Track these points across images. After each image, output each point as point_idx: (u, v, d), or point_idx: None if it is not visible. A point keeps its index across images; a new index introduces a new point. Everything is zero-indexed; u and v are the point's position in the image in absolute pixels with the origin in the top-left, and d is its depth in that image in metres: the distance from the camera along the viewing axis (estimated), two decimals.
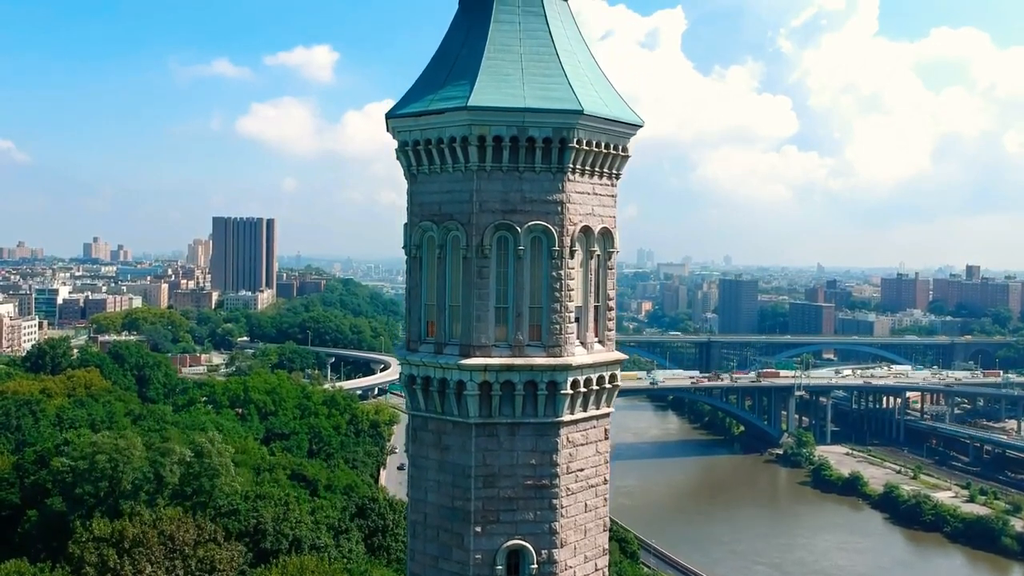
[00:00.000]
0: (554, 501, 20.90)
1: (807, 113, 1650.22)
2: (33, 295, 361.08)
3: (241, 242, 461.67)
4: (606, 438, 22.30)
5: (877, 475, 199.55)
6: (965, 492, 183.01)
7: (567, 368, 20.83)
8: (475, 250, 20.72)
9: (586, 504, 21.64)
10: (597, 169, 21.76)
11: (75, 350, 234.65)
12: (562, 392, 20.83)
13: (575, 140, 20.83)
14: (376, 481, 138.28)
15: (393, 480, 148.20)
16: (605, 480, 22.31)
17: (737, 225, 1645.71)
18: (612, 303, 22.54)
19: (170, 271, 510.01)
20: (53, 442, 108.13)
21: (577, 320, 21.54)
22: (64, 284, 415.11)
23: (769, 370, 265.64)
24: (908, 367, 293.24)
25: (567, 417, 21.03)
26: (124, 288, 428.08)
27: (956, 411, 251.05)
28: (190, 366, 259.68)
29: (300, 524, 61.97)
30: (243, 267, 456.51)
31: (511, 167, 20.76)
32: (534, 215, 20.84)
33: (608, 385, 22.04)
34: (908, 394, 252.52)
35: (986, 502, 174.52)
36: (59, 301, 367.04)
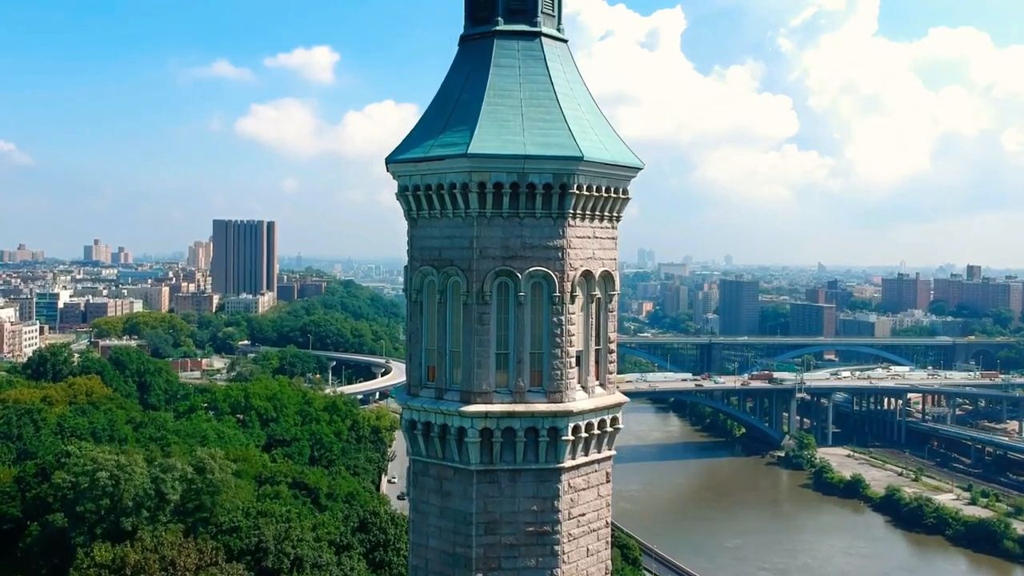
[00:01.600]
0: (556, 547, 20.85)
1: (807, 113, 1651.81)
2: (34, 299, 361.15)
3: (242, 245, 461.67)
4: (608, 481, 22.25)
5: (879, 477, 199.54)
6: (967, 494, 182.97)
7: (568, 414, 20.78)
8: (476, 296, 20.67)
9: (588, 549, 21.60)
10: (597, 213, 21.72)
11: (76, 355, 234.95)
12: (563, 438, 20.78)
13: (575, 186, 20.79)
14: (377, 488, 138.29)
15: (394, 488, 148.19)
16: (607, 523, 22.27)
17: (737, 225, 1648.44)
18: (613, 345, 22.50)
19: (171, 274, 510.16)
20: (54, 451, 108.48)
21: (578, 364, 21.50)
22: (65, 288, 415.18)
23: (760, 372, 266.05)
24: (906, 368, 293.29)
25: (568, 463, 20.98)
26: (125, 292, 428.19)
27: (957, 412, 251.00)
28: (191, 370, 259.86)
29: (302, 543, 61.85)
30: (244, 270, 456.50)
31: (511, 213, 20.72)
32: (535, 261, 20.80)
33: (610, 429, 22.00)
34: (909, 395, 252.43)
35: (988, 504, 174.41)
36: (60, 305, 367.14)
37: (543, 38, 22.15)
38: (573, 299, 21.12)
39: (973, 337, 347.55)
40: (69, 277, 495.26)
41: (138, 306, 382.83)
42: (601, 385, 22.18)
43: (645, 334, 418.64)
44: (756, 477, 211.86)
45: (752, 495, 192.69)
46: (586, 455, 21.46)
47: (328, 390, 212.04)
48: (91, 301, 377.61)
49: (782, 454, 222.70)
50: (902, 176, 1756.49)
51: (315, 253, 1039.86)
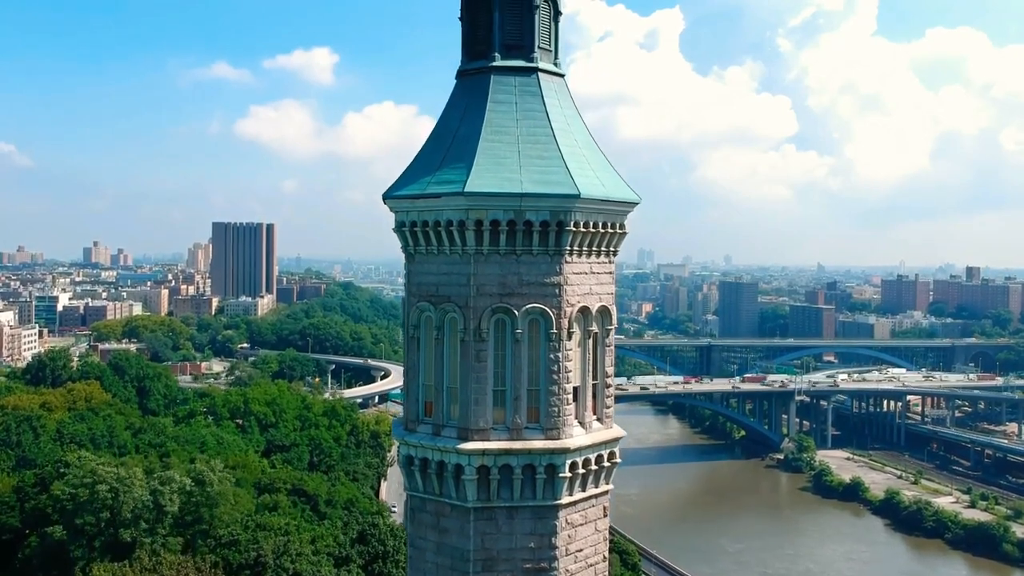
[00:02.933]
0: None
1: (806, 113, 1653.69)
2: (33, 302, 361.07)
3: (241, 247, 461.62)
4: (605, 516, 22.26)
5: (878, 480, 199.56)
6: (966, 497, 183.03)
7: (565, 451, 20.78)
8: (473, 334, 20.68)
9: None
10: (595, 248, 21.73)
11: (75, 359, 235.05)
12: (560, 475, 20.77)
13: (572, 223, 20.79)
14: (376, 494, 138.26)
15: (394, 493, 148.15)
16: (604, 557, 22.27)
17: (737, 225, 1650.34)
18: (610, 380, 22.50)
19: (170, 276, 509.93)
20: (53, 459, 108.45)
21: (575, 399, 21.51)
22: (64, 291, 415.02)
23: (753, 375, 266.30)
24: (902, 370, 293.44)
25: (566, 499, 20.98)
26: (124, 294, 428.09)
27: (957, 414, 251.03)
28: (190, 374, 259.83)
29: (301, 557, 61.84)
30: (243, 272, 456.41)
31: (508, 250, 20.72)
32: (532, 298, 20.80)
33: (607, 464, 22.00)
34: (909, 398, 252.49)
35: (987, 507, 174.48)
36: (59, 308, 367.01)
37: (540, 73, 22.16)
38: (570, 335, 21.12)
39: (974, 339, 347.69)
40: (68, 279, 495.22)
41: (137, 309, 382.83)
42: (598, 420, 22.18)
43: (645, 336, 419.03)
44: (756, 480, 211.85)
45: (752, 498, 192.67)
46: (583, 491, 21.46)
47: (327, 394, 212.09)
48: (90, 304, 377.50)
49: (781, 457, 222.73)
50: (901, 175, 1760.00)
51: (315, 254, 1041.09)
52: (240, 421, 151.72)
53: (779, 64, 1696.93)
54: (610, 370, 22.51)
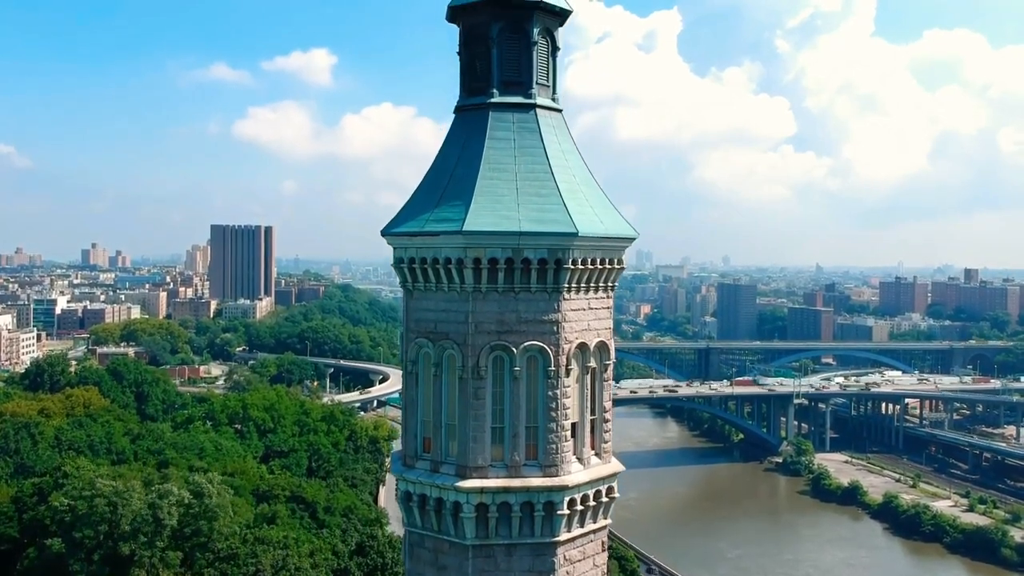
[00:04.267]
0: None
1: (804, 113, 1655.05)
2: (31, 305, 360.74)
3: (239, 250, 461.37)
4: (603, 550, 22.30)
5: (876, 484, 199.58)
6: (964, 501, 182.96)
7: (564, 488, 20.82)
8: (471, 371, 20.72)
9: None
10: (592, 284, 21.77)
11: (73, 362, 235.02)
12: (559, 512, 20.82)
13: (570, 261, 20.85)
14: (375, 500, 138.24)
15: (392, 500, 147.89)
16: None
17: (735, 225, 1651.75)
18: (609, 415, 22.55)
19: (168, 279, 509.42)
20: (51, 466, 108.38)
21: (573, 435, 21.54)
22: (62, 293, 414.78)
23: (741, 379, 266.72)
24: (898, 373, 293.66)
25: (564, 536, 21.01)
26: (122, 297, 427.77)
27: (955, 417, 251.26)
28: (188, 378, 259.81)
29: (300, 572, 61.89)
30: (241, 275, 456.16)
31: (507, 288, 20.77)
32: (530, 335, 20.85)
33: (605, 499, 22.05)
34: (907, 400, 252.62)
35: (985, 511, 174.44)
36: (57, 311, 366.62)
37: (538, 109, 22.20)
38: (568, 372, 21.18)
39: (973, 341, 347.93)
40: (67, 282, 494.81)
41: (136, 312, 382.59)
42: (597, 455, 22.23)
43: (644, 337, 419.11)
44: (755, 483, 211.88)
45: (751, 502, 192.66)
46: (582, 527, 21.50)
47: (326, 398, 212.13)
48: (89, 307, 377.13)
49: (780, 460, 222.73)
50: (900, 176, 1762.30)
51: (313, 255, 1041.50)
52: (238, 426, 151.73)
53: (777, 65, 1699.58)
54: (608, 404, 22.56)
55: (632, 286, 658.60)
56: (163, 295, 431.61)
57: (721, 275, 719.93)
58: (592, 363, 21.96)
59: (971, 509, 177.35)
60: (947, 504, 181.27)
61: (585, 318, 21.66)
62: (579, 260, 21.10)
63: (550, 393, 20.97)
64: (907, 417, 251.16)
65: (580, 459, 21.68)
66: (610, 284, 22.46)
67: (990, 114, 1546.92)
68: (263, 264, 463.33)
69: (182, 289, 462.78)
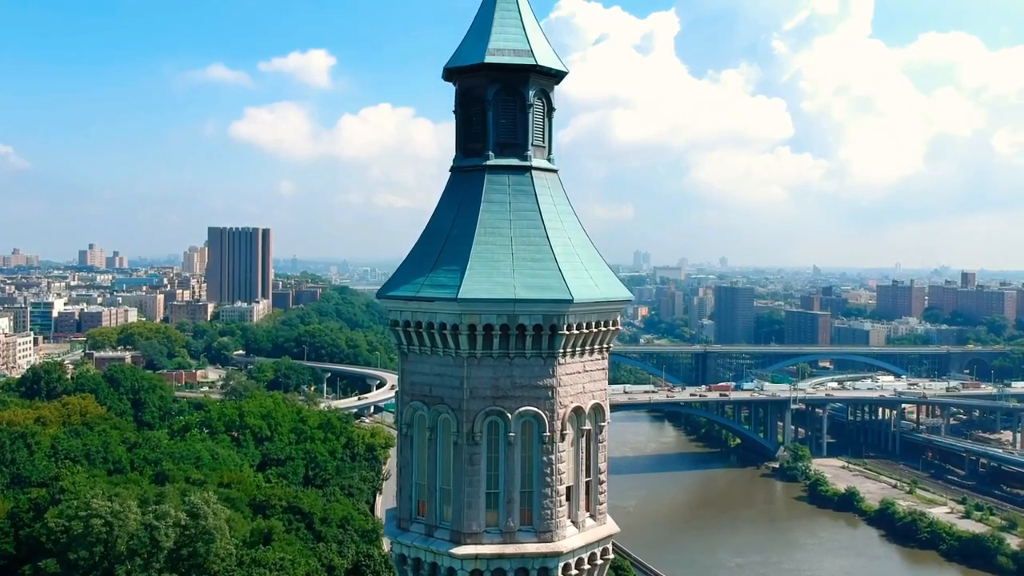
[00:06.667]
0: None
1: (801, 115, 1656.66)
2: (28, 308, 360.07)
3: (237, 252, 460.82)
4: None
5: (873, 490, 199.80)
6: (961, 508, 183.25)
7: (558, 555, 20.75)
8: (466, 437, 20.67)
9: None
10: (587, 347, 21.75)
11: (71, 367, 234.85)
12: None
13: (565, 326, 20.82)
14: (372, 508, 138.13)
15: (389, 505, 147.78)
16: None
17: (733, 226, 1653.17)
18: (604, 476, 22.50)
19: (166, 281, 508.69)
20: (48, 475, 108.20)
21: (568, 499, 21.50)
22: (59, 296, 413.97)
23: (721, 384, 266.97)
24: (890, 377, 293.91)
25: None
26: (120, 299, 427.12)
27: (952, 422, 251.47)
28: (185, 382, 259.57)
29: None
30: (239, 277, 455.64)
31: (502, 353, 20.73)
32: (525, 401, 20.81)
33: (600, 561, 22.01)
34: (904, 405, 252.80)
35: (982, 518, 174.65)
36: (54, 314, 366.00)
37: (534, 171, 22.17)
38: (563, 437, 21.13)
39: (970, 346, 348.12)
40: (64, 284, 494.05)
41: (133, 315, 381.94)
42: (592, 516, 22.16)
43: (641, 340, 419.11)
44: (752, 490, 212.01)
45: (749, 509, 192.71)
46: None
47: (323, 404, 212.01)
48: (86, 310, 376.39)
49: (777, 465, 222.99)
50: (896, 177, 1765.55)
51: (311, 255, 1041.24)
52: (235, 434, 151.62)
53: (774, 67, 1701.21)
54: (603, 465, 22.51)
55: (629, 288, 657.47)
56: (160, 298, 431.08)
57: (719, 276, 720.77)
58: (587, 425, 21.90)
59: (967, 516, 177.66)
60: (943, 511, 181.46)
61: (580, 381, 21.63)
62: (574, 325, 21.06)
63: (545, 459, 20.93)
64: (905, 422, 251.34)
65: (575, 522, 21.63)
66: (605, 346, 22.44)
67: (985, 116, 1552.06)
68: (260, 267, 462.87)
69: (179, 291, 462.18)
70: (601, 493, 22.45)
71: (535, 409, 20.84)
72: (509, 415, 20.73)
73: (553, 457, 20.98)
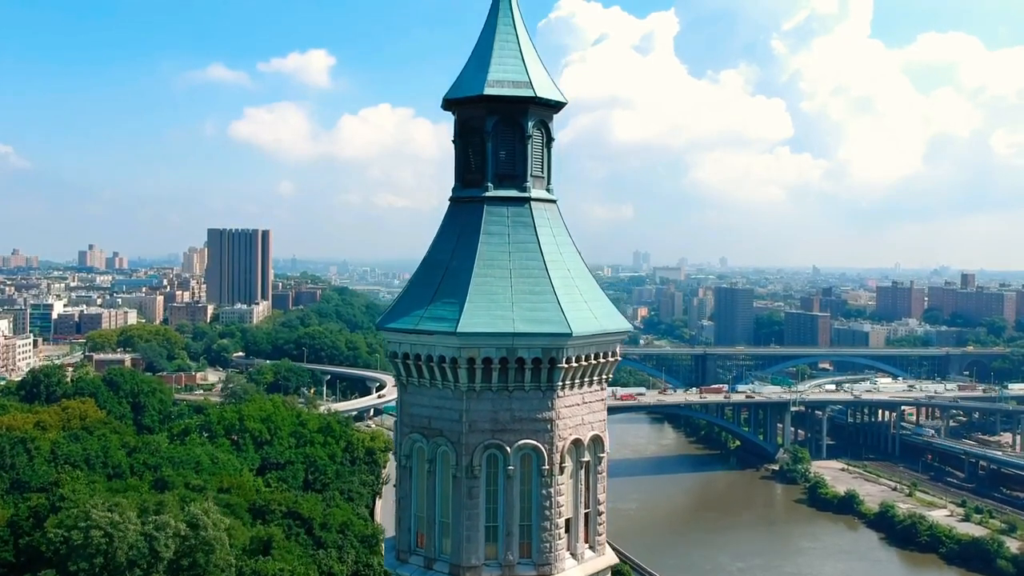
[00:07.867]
0: None
1: (800, 115, 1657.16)
2: (28, 310, 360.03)
3: (236, 253, 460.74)
4: None
5: (873, 492, 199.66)
6: (960, 510, 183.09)
7: None
8: (465, 470, 20.64)
9: None
10: (587, 379, 21.73)
11: (70, 369, 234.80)
12: None
13: (564, 359, 20.81)
14: (372, 513, 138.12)
15: (389, 512, 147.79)
16: None
17: (732, 226, 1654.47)
18: (603, 507, 22.48)
19: (165, 282, 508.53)
20: (48, 480, 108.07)
21: (568, 531, 21.47)
22: (59, 297, 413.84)
23: (714, 386, 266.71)
24: (888, 379, 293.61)
25: None
26: (119, 300, 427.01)
27: (952, 424, 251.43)
28: (185, 385, 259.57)
29: None
30: (238, 279, 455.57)
31: (501, 386, 20.72)
32: (524, 434, 20.79)
33: None
34: (903, 407, 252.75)
35: (981, 521, 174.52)
36: (54, 316, 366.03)
37: (532, 202, 22.15)
38: (562, 470, 21.11)
39: (969, 347, 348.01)
40: (63, 285, 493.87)
41: (132, 316, 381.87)
42: (591, 548, 22.14)
43: (641, 341, 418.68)
44: (751, 492, 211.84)
45: (749, 512, 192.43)
46: None
47: (323, 407, 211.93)
48: (85, 312, 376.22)
49: (776, 467, 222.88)
50: (895, 177, 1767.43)
51: (310, 255, 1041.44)
52: (235, 438, 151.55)
53: (773, 67, 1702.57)
54: (602, 497, 22.48)
55: (629, 288, 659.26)
56: (160, 299, 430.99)
57: (718, 277, 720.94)
58: (586, 457, 21.88)
59: (967, 519, 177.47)
60: (943, 514, 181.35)
61: (579, 413, 21.61)
62: (573, 358, 21.04)
63: (544, 491, 20.91)
64: (904, 424, 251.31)
65: (574, 555, 21.60)
66: (605, 376, 22.41)
67: (984, 116, 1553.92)
68: (260, 268, 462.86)
69: (179, 293, 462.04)
70: (600, 524, 22.43)
71: (534, 442, 20.82)
72: (508, 448, 20.71)
73: (552, 490, 20.95)
